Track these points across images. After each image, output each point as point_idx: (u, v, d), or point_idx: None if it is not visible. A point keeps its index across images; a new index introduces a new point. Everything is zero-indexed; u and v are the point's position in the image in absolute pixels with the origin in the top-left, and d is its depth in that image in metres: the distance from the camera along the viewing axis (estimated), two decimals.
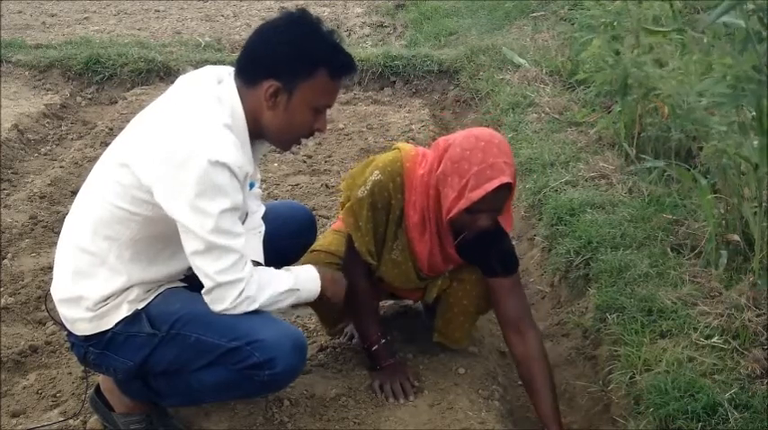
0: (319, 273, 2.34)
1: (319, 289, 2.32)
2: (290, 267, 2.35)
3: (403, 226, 2.53)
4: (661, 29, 3.77)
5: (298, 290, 2.25)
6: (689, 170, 3.35)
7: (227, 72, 2.19)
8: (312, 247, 2.72)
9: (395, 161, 2.50)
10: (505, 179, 2.28)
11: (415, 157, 2.50)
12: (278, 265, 2.33)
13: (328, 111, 2.27)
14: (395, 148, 2.58)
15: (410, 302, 3.13)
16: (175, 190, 2.01)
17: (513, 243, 2.74)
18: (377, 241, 2.55)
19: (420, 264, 2.59)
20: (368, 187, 2.48)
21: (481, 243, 2.50)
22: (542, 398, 2.46)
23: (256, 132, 2.18)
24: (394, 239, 2.55)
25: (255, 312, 2.14)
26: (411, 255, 2.56)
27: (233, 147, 2.05)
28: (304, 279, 2.28)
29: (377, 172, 2.49)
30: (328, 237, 2.77)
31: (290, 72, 2.11)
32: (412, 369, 2.65)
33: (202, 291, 2.12)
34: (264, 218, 2.48)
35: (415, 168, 2.47)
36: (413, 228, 2.51)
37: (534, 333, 2.53)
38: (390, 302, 3.10)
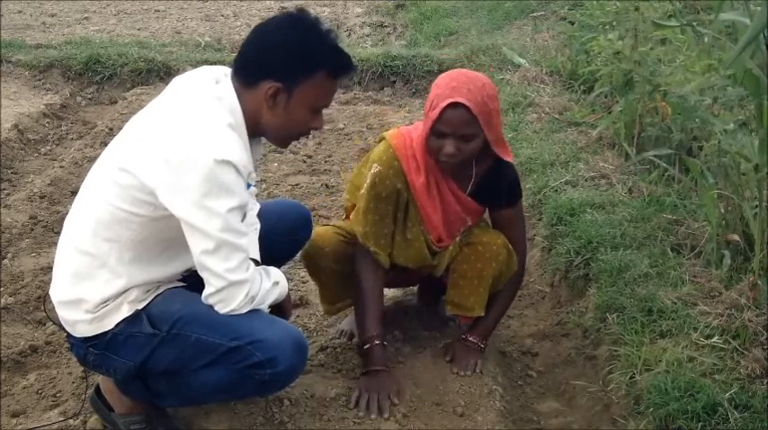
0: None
1: (286, 282, 2.33)
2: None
3: (411, 200, 2.58)
4: (669, 24, 3.75)
5: (278, 283, 2.26)
6: (687, 172, 3.34)
7: (224, 72, 2.19)
8: (333, 224, 2.81)
9: (387, 149, 2.58)
10: (458, 99, 2.37)
11: (399, 134, 2.60)
12: (273, 263, 2.34)
13: (326, 110, 2.28)
14: (380, 138, 2.66)
15: (411, 301, 3.13)
16: (182, 190, 2.00)
17: None
18: (386, 234, 2.59)
19: (433, 234, 2.62)
20: (368, 181, 2.56)
21: (491, 177, 2.61)
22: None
23: (254, 131, 2.18)
24: (405, 220, 2.60)
25: (255, 312, 2.14)
26: (423, 226, 2.60)
27: (237, 145, 2.05)
28: (275, 272, 2.28)
29: (375, 165, 2.56)
30: (339, 223, 2.85)
31: (289, 73, 2.11)
32: (399, 383, 2.55)
33: (206, 293, 2.10)
34: (259, 215, 2.48)
35: (402, 142, 2.57)
36: (420, 192, 2.57)
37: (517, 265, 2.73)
38: (390, 303, 3.10)
